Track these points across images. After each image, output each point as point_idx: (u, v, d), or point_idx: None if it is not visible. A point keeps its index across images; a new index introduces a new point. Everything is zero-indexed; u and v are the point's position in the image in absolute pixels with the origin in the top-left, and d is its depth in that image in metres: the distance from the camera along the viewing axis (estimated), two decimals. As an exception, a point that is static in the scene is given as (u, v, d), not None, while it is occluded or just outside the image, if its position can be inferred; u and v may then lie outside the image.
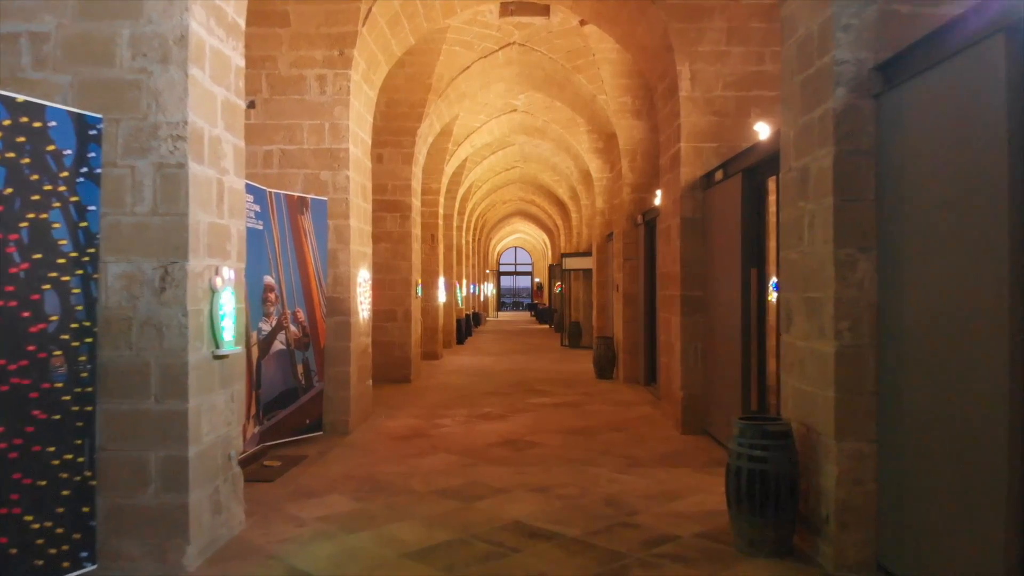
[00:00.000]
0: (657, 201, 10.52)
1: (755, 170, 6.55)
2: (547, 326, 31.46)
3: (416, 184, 12.69)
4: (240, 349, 4.79)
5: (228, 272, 4.49)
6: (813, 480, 4.16)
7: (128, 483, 3.96)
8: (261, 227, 6.96)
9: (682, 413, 7.84)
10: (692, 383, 7.84)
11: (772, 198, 6.55)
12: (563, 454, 6.95)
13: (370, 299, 8.79)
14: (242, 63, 4.88)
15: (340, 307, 7.89)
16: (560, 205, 26.27)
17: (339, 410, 7.88)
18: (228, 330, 4.46)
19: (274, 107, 7.95)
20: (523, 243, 53.60)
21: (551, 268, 30.12)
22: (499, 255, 53.51)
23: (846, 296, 3.97)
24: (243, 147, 5.02)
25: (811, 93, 4.28)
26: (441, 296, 16.53)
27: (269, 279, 7.11)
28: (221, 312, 4.36)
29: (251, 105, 7.97)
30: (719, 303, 7.31)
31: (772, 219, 6.57)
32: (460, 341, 20.89)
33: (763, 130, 6.50)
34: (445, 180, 16.45)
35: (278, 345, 7.23)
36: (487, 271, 40.97)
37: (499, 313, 46.70)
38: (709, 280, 7.66)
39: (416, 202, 12.68)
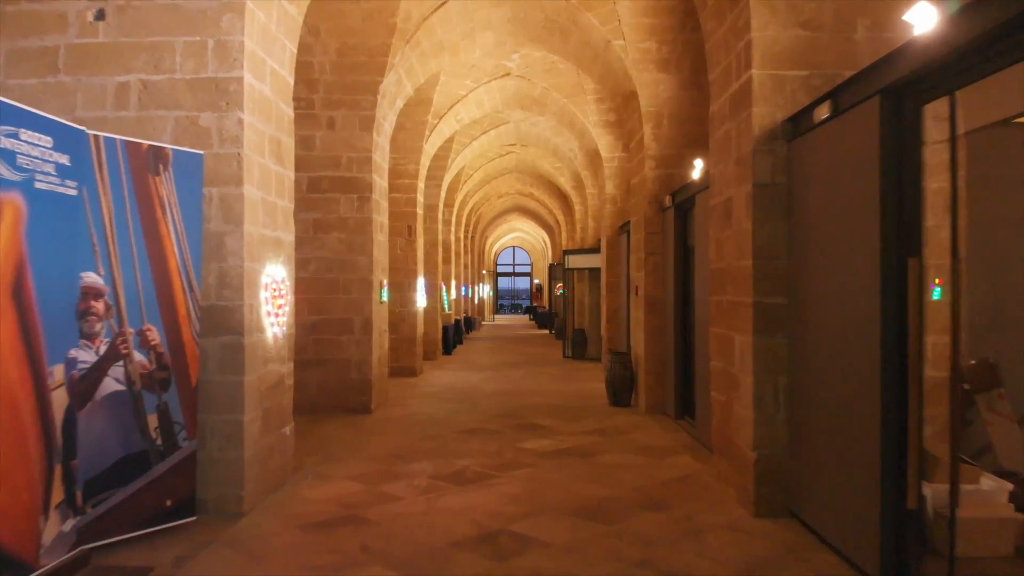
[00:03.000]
0: (696, 173, 7.76)
1: (904, 90, 3.81)
2: (547, 331, 28.72)
3: (380, 158, 9.93)
4: None
5: None
6: None
7: None
8: (75, 192, 4.22)
9: (755, 484, 5.09)
10: (771, 440, 5.08)
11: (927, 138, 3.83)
12: (574, 570, 4.18)
13: (290, 308, 6.03)
14: None
15: (228, 321, 5.13)
16: (562, 197, 23.50)
17: (227, 480, 5.12)
18: None
19: (132, 18, 5.20)
20: (522, 242, 50.92)
21: (551, 268, 27.38)
22: (496, 255, 50.79)
23: None
24: None
25: None
26: (420, 300, 13.76)
27: (92, 279, 4.36)
28: None
29: (98, 16, 5.26)
30: (826, 316, 4.54)
31: (933, 175, 3.83)
32: (447, 351, 18.13)
33: (921, 18, 3.72)
34: (425, 161, 13.69)
35: (112, 385, 4.47)
36: (483, 272, 38.19)
37: (496, 317, 43.91)
38: (802, 280, 4.90)
39: (380, 181, 9.93)
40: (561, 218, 26.21)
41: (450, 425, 8.56)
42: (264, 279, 5.48)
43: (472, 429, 8.31)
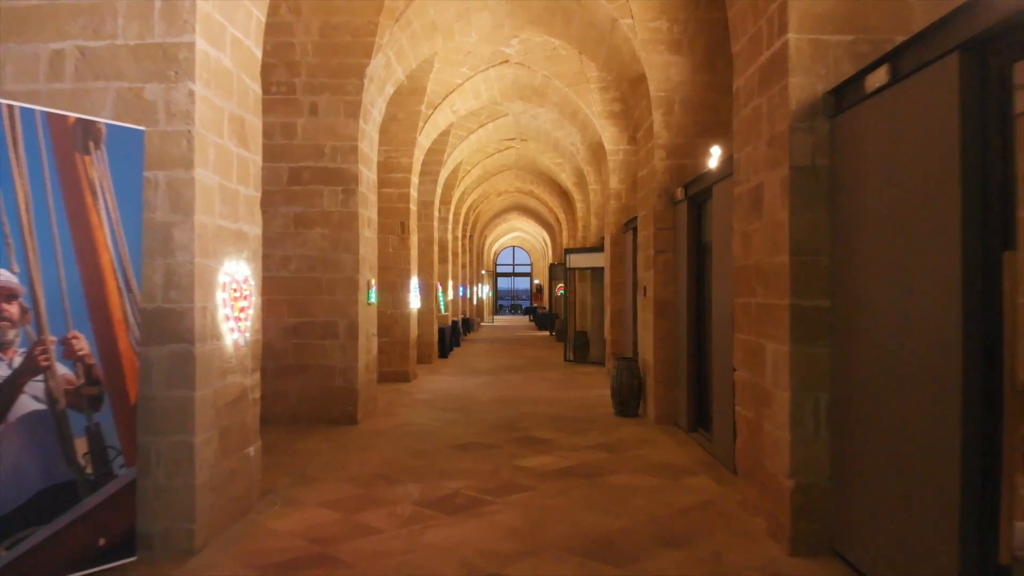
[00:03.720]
0: (713, 162, 7.03)
1: (991, 45, 3.08)
2: (547, 333, 27.99)
3: (367, 148, 9.19)
4: None
5: None
6: None
7: None
8: (-22, 171, 3.48)
9: (791, 517, 4.35)
10: (811, 465, 4.34)
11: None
12: (582, 628, 3.45)
13: (255, 311, 5.29)
14: None
15: (177, 327, 4.39)
16: (562, 194, 22.77)
17: (175, 512, 4.38)
18: None
19: (68, -27, 4.47)
20: (522, 242, 50.20)
21: (552, 268, 26.64)
22: (496, 255, 50.05)
23: None
24: None
25: None
26: (414, 301, 13.02)
27: (4, 277, 3.63)
28: None
29: (30, -29, 4.54)
30: (882, 320, 3.80)
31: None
32: (443, 354, 17.39)
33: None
34: (419, 154, 12.95)
35: (29, 404, 3.74)
36: (483, 272, 37.45)
37: (495, 318, 43.17)
38: (849, 278, 4.17)
39: (367, 172, 9.19)
40: (562, 216, 25.49)
41: (442, 438, 7.82)
42: (222, 278, 4.74)
43: (466, 443, 7.57)
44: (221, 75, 4.78)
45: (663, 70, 8.49)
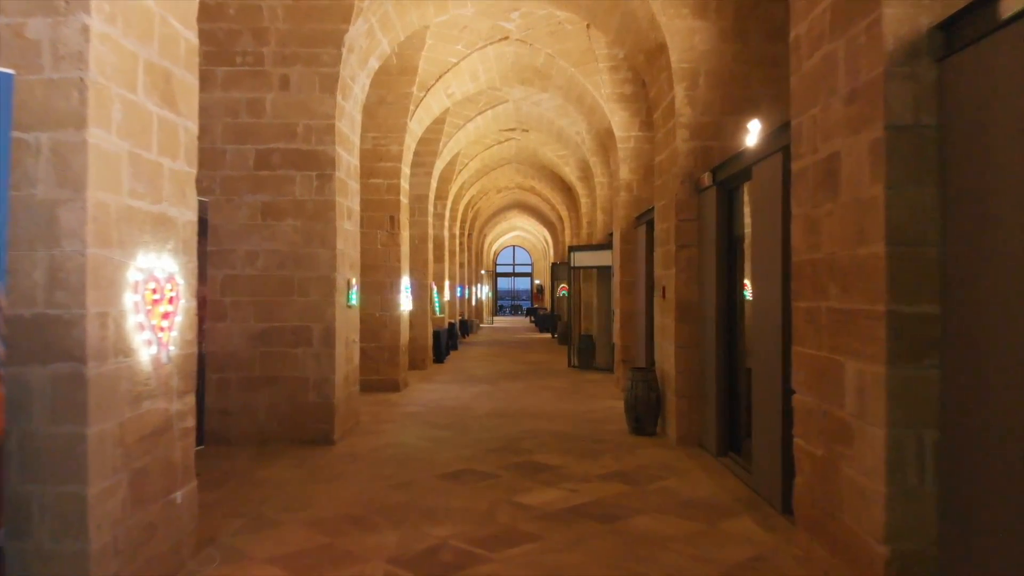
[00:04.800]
0: (752, 139, 5.93)
1: None
2: (548, 335, 26.88)
3: (347, 128, 8.09)
4: None
5: None
6: None
7: None
8: None
9: (886, 596, 3.24)
10: (914, 526, 3.23)
11: None
12: None
13: (186, 318, 4.17)
14: None
15: (63, 340, 3.27)
16: (566, 190, 21.65)
17: (61, 589, 3.27)
18: None
19: None
20: (522, 242, 49.11)
21: (554, 267, 25.51)
22: (496, 255, 48.93)
23: None
24: None
25: None
26: (405, 303, 11.90)
27: None
28: None
29: None
30: (1019, 333, 2.70)
31: None
32: (439, 359, 16.27)
33: None
34: (410, 142, 11.84)
35: None
36: (482, 272, 36.33)
37: (495, 319, 42.05)
38: (968, 275, 3.05)
39: (347, 156, 8.09)
40: (564, 214, 24.37)
41: (430, 464, 6.71)
42: (133, 275, 3.63)
43: (457, 471, 6.45)
44: (135, 13, 3.66)
45: (686, 38, 7.38)
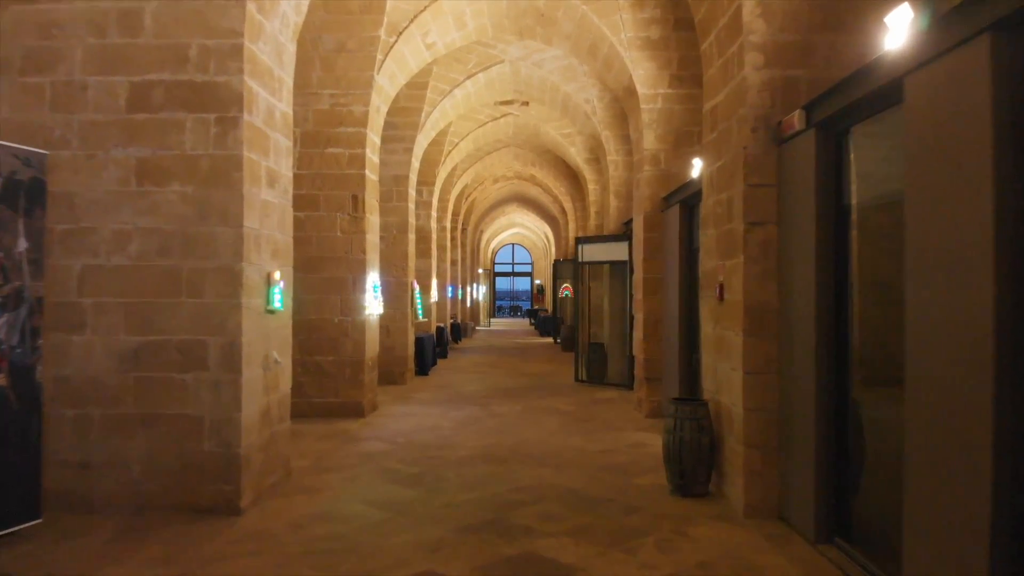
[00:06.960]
0: (894, 42, 3.48)
1: None
2: (550, 339, 24.46)
3: (268, 56, 5.66)
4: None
5: None
6: None
7: None
8: None
9: None
10: None
11: None
12: None
13: None
14: None
15: None
16: (571, 176, 19.20)
17: None
18: None
19: None
20: (522, 239, 46.68)
21: (556, 264, 23.02)
22: (494, 253, 46.48)
23: None
24: None
25: None
26: (373, 306, 9.46)
27: None
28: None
29: None
30: None
31: None
32: (422, 370, 13.84)
33: None
34: (378, 102, 9.40)
35: None
36: (479, 271, 33.86)
37: (493, 320, 39.59)
38: None
39: (268, 97, 5.66)
40: (569, 205, 21.92)
41: (375, 559, 4.29)
42: None
43: (416, 575, 4.03)
44: None
45: (763, -86, 4.96)
